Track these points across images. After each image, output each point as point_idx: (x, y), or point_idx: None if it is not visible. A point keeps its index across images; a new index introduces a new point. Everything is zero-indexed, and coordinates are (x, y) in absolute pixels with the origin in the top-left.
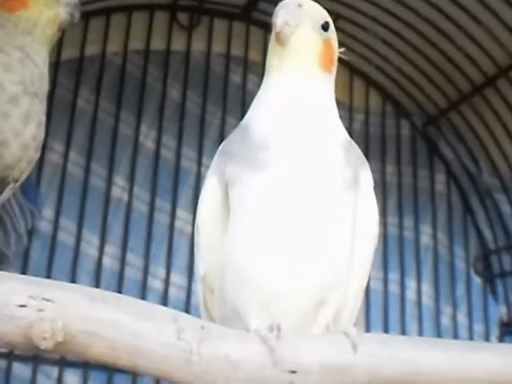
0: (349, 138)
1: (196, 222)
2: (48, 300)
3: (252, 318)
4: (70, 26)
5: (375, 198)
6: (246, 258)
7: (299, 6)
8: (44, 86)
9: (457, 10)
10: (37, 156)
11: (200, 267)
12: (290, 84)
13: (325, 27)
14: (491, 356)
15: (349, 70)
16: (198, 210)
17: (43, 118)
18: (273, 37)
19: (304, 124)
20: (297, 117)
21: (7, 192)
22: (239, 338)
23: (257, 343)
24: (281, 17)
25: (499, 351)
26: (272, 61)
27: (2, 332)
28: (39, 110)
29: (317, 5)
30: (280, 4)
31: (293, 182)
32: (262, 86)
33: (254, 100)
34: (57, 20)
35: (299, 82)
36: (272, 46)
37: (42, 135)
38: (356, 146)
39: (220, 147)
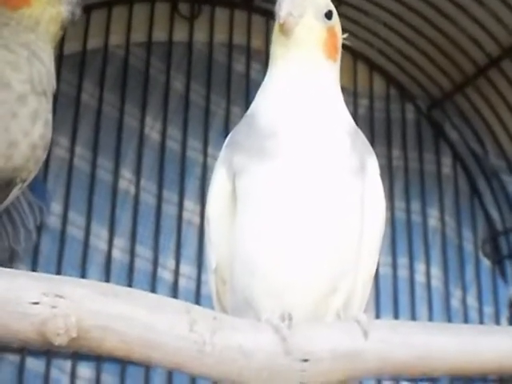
0: (354, 125)
1: (206, 215)
2: (60, 296)
3: (263, 307)
4: (70, 24)
5: (382, 184)
6: (255, 248)
7: None
8: (51, 84)
9: None
10: (44, 156)
11: (212, 259)
12: (296, 73)
13: (328, 16)
14: (502, 339)
15: (352, 55)
16: (207, 202)
17: (50, 117)
18: (276, 27)
19: (310, 112)
20: (303, 105)
21: (15, 192)
22: (251, 328)
23: (269, 332)
24: (284, 7)
25: (510, 334)
26: (276, 51)
27: (15, 329)
28: (46, 108)
29: None
30: None
31: (300, 170)
32: (266, 76)
33: (260, 89)
34: (59, 18)
35: (304, 71)
36: (276, 36)
37: (49, 134)
38: (361, 133)
39: (227, 138)
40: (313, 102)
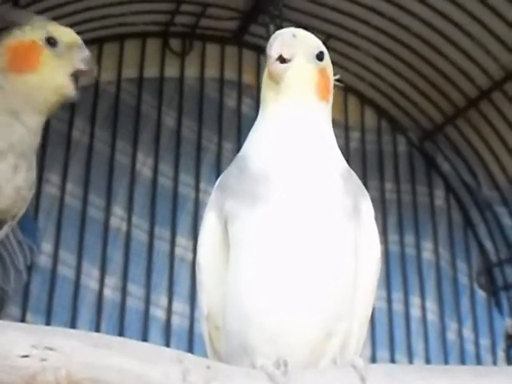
0: (347, 166)
1: (197, 261)
2: (50, 349)
3: (258, 353)
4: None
5: (376, 226)
6: (248, 294)
7: (293, 36)
8: (32, 147)
9: (448, 24)
10: (31, 194)
11: (204, 306)
12: (287, 115)
13: (320, 57)
14: (500, 381)
15: (342, 89)
16: (198, 248)
17: (33, 161)
18: (266, 72)
19: (302, 155)
20: (294, 148)
21: (5, 229)
22: (246, 377)
23: (264, 380)
24: (275, 49)
25: (507, 375)
26: (267, 94)
27: (5, 383)
28: (28, 160)
29: (311, 34)
30: (274, 34)
31: (293, 215)
32: (258, 117)
33: (251, 131)
34: (63, 90)
35: (296, 114)
36: (266, 80)
37: (33, 176)
38: (355, 175)
39: (218, 181)
40: (305, 145)
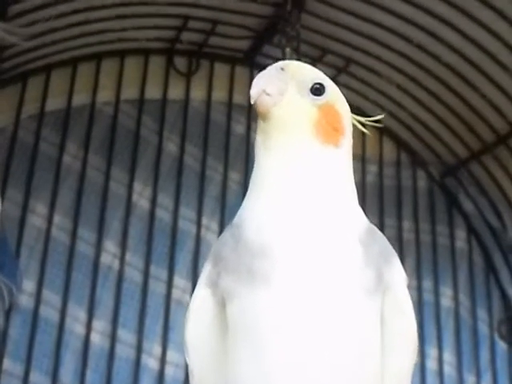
0: (368, 225)
1: (185, 344)
2: None
3: None
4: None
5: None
6: None
7: (282, 69)
8: None
9: (480, 54)
10: None
11: None
12: (283, 166)
13: (318, 90)
14: None
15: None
16: (186, 329)
17: None
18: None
19: (307, 217)
20: (297, 210)
21: None
22: None
23: None
24: (256, 85)
25: None
26: (258, 138)
27: None
28: None
29: (306, 65)
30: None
31: (300, 297)
32: (253, 170)
33: (248, 188)
34: None
35: (293, 163)
36: (258, 120)
37: None
38: (378, 235)
39: (212, 249)
40: (310, 205)
